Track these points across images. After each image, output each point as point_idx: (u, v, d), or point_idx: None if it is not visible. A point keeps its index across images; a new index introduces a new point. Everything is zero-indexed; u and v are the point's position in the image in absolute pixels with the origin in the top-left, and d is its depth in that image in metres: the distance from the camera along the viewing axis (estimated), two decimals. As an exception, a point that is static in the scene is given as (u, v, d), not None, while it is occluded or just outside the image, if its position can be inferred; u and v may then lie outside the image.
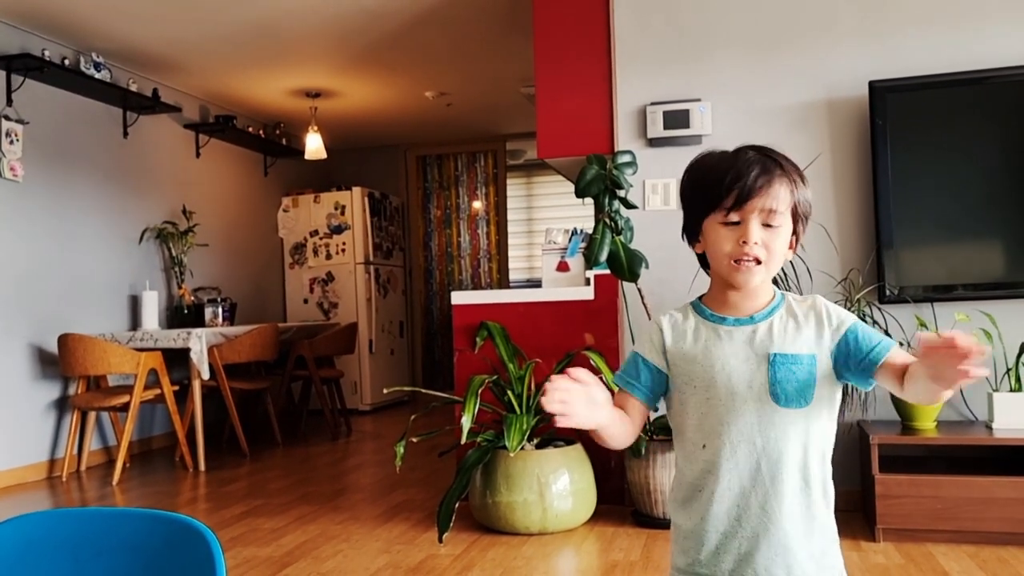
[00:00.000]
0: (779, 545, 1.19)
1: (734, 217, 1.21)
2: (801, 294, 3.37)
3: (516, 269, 8.36)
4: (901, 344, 3.34)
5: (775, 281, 1.36)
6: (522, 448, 3.27)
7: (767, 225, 1.20)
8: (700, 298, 1.32)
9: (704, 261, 1.31)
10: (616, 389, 1.32)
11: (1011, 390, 3.17)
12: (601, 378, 1.21)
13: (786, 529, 1.19)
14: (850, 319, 1.24)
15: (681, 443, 1.29)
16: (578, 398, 1.13)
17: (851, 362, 1.22)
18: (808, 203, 1.25)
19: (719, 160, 1.24)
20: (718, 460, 1.21)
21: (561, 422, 1.13)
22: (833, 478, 1.25)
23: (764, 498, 1.20)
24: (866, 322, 3.29)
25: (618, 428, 1.26)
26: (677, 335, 1.28)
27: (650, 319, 3.38)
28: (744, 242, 1.20)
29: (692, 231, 1.29)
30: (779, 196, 1.20)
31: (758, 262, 1.21)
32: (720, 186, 1.20)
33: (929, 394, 1.15)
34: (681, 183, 1.31)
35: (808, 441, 1.21)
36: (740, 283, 1.23)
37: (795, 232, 1.25)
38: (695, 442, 1.25)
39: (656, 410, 1.35)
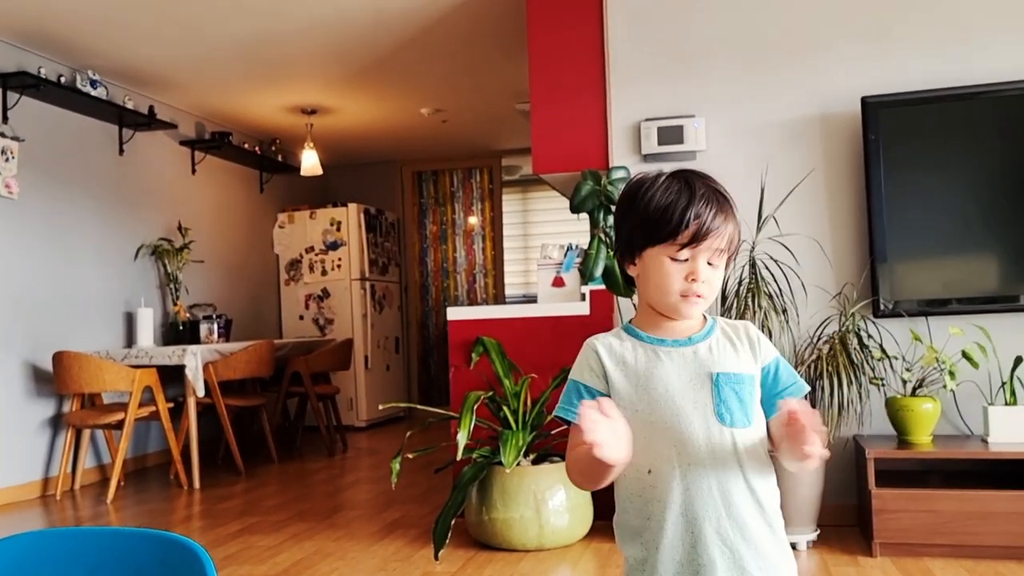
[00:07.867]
0: (736, 567, 1.17)
1: (685, 254, 1.20)
2: (796, 310, 3.40)
3: (512, 284, 8.36)
4: (895, 358, 3.36)
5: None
6: (518, 464, 3.26)
7: (710, 264, 1.22)
8: (630, 322, 1.31)
9: (632, 282, 1.30)
10: (568, 423, 1.24)
11: (1006, 404, 3.18)
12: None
13: (742, 551, 1.17)
14: (775, 352, 1.27)
15: (623, 470, 1.18)
16: (616, 431, 1.07)
17: (764, 393, 1.24)
18: (740, 238, 1.27)
19: (667, 190, 1.22)
20: (668, 484, 1.18)
21: (602, 453, 1.04)
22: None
23: (718, 521, 1.17)
24: (861, 337, 3.31)
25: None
26: (615, 358, 1.25)
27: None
28: (694, 280, 1.20)
29: (630, 253, 1.26)
30: (727, 235, 1.22)
31: (700, 297, 1.22)
32: (678, 221, 1.19)
33: (790, 462, 1.14)
34: (621, 205, 1.28)
35: (755, 459, 1.20)
36: (684, 316, 1.24)
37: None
38: (640, 467, 1.20)
39: None
